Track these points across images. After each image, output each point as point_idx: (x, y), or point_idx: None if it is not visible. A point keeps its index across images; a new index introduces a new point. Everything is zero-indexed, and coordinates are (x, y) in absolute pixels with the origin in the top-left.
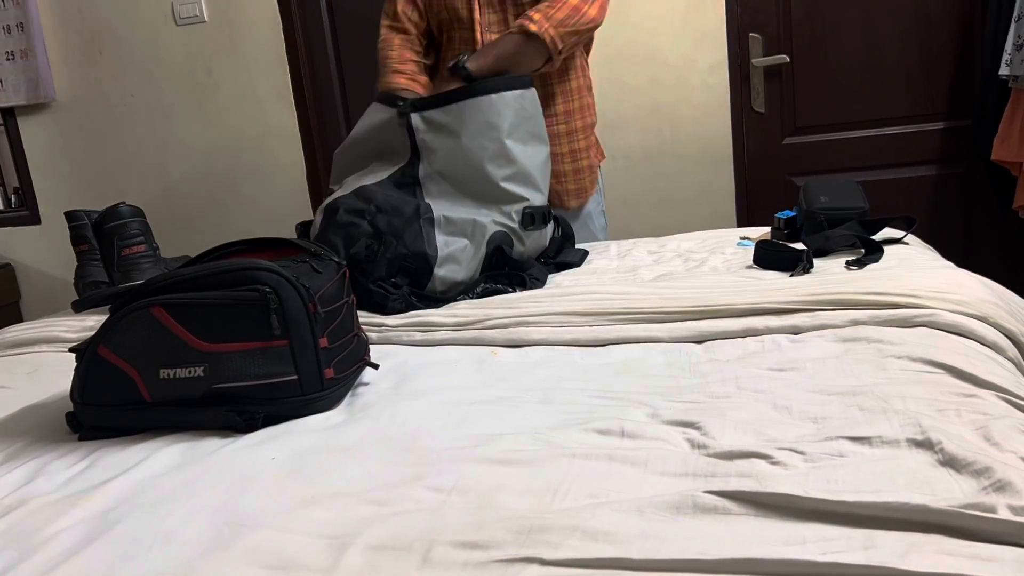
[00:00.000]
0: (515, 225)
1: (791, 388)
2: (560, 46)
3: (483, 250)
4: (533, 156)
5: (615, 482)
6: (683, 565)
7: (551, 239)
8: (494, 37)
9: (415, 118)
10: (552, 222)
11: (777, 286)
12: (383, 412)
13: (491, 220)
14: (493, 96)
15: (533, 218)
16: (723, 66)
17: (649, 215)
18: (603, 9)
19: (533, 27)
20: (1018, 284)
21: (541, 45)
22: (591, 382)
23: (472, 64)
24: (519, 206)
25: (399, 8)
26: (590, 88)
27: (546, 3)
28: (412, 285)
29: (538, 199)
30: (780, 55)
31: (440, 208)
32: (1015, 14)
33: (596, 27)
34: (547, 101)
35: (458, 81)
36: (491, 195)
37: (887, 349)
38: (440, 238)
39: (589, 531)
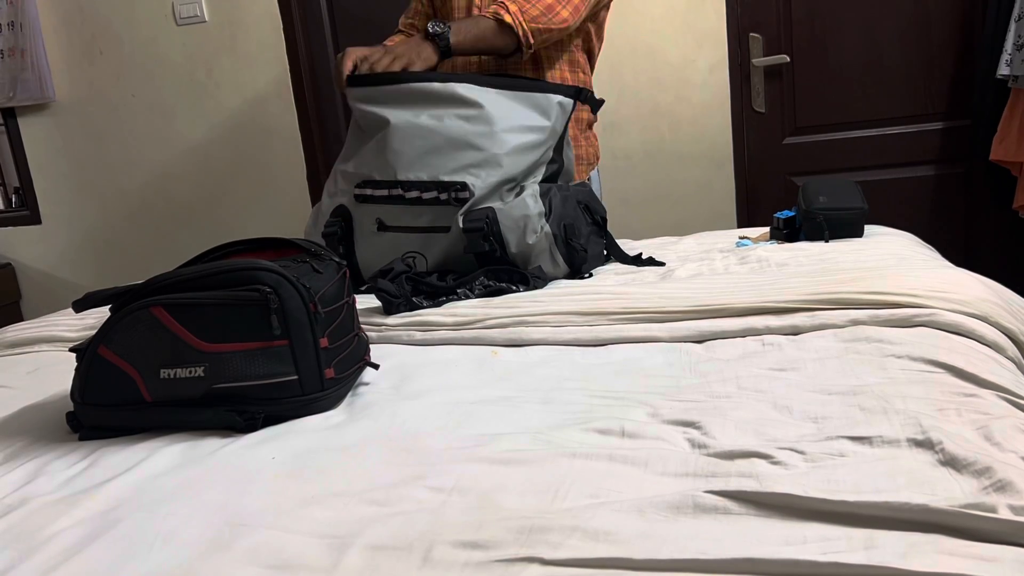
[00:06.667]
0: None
1: (791, 388)
2: (532, 41)
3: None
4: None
5: (615, 482)
6: (683, 565)
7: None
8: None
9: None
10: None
11: (777, 287)
12: (383, 412)
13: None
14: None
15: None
16: (723, 66)
17: (649, 215)
18: (576, 12)
19: (508, 19)
20: (1018, 284)
21: (512, 36)
22: (591, 382)
23: (452, 38)
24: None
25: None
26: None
27: None
28: None
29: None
30: (780, 55)
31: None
32: (1015, 14)
33: (568, 30)
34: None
35: (432, 45)
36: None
37: (887, 349)
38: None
39: (589, 531)
